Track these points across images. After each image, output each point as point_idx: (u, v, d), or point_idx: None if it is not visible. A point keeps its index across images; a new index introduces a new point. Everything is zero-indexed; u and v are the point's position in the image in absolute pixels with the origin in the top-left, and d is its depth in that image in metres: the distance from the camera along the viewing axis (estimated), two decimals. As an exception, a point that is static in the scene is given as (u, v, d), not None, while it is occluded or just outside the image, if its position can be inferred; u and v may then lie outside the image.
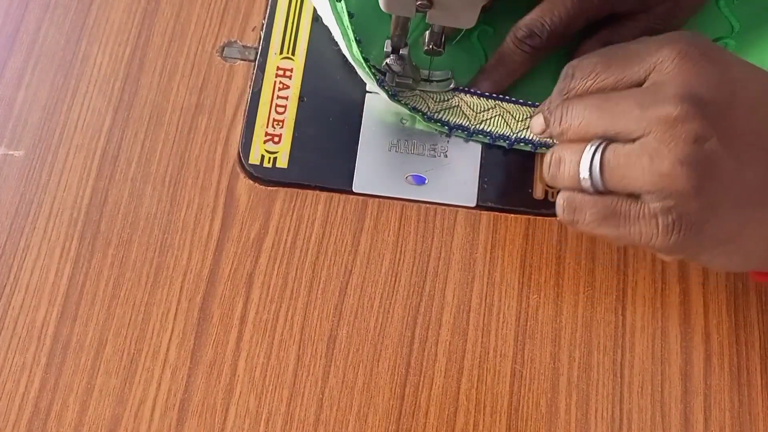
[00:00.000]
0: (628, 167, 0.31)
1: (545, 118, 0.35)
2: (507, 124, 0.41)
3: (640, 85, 0.32)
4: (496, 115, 0.41)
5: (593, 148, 0.32)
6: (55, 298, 0.38)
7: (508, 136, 0.41)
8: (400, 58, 0.39)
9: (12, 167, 0.40)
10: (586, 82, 0.34)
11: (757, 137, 0.31)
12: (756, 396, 0.38)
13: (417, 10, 0.34)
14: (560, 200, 0.34)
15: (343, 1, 0.39)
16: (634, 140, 0.31)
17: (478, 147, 0.41)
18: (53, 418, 0.36)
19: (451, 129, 0.41)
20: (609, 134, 0.32)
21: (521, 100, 0.42)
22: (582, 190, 0.33)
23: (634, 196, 0.32)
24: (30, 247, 0.39)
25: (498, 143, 0.41)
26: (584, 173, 0.32)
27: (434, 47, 0.38)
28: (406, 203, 0.40)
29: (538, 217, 0.40)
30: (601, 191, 0.32)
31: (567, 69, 0.35)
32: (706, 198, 0.30)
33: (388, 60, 0.39)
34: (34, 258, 0.39)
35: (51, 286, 0.38)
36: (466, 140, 0.41)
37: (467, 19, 0.35)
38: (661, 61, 0.31)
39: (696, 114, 0.30)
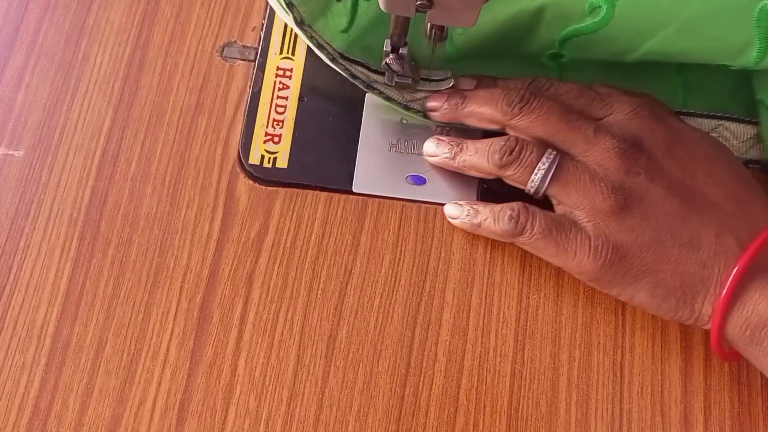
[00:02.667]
0: (574, 183, 0.36)
1: (492, 98, 0.38)
2: None
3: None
4: None
5: (552, 155, 0.36)
6: (55, 298, 0.38)
7: None
8: (400, 57, 0.39)
9: (12, 167, 0.40)
10: (558, 96, 0.38)
11: (680, 183, 0.36)
12: (756, 396, 0.38)
13: (417, 10, 0.34)
14: (513, 208, 0.37)
15: None
16: (573, 157, 0.37)
17: (478, 147, 0.41)
18: (53, 418, 0.36)
19: None
20: (557, 139, 0.37)
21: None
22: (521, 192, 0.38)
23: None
24: (30, 247, 0.39)
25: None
26: (538, 174, 0.36)
27: (437, 32, 0.37)
28: (406, 203, 0.40)
29: (538, 217, 0.40)
30: (533, 197, 0.37)
31: (542, 80, 0.39)
32: (630, 222, 0.35)
33: (387, 59, 0.39)
34: (34, 258, 0.39)
35: (51, 286, 0.38)
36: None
37: (468, 19, 0.35)
38: (620, 110, 0.37)
39: (633, 153, 0.36)
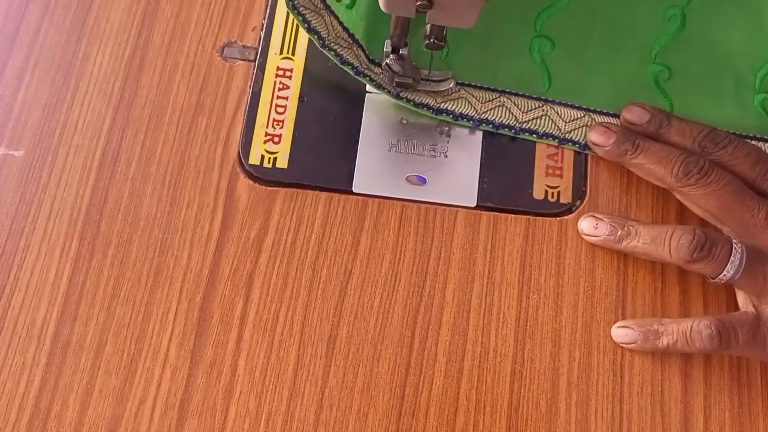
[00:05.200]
0: (762, 274, 0.36)
1: (668, 159, 0.37)
2: (512, 113, 0.42)
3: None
4: (499, 105, 0.42)
5: (739, 247, 0.36)
6: (55, 298, 0.38)
7: (512, 126, 0.41)
8: (400, 58, 0.39)
9: (12, 167, 0.40)
10: (732, 159, 0.38)
11: None
12: (756, 396, 0.38)
13: (417, 11, 0.34)
14: (710, 329, 0.35)
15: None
16: (740, 238, 0.36)
17: (479, 147, 0.41)
18: (53, 418, 0.36)
19: (457, 117, 0.41)
20: (726, 216, 0.36)
21: (527, 94, 0.42)
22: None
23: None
24: (30, 247, 0.39)
25: (501, 131, 0.41)
26: (731, 271, 0.35)
27: (435, 41, 0.37)
28: (406, 203, 0.40)
29: (538, 217, 0.40)
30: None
31: (721, 135, 0.38)
32: None
33: (387, 60, 0.39)
34: (34, 258, 0.39)
35: (51, 286, 0.38)
36: (472, 130, 0.42)
37: (467, 19, 0.35)
38: None
39: None
